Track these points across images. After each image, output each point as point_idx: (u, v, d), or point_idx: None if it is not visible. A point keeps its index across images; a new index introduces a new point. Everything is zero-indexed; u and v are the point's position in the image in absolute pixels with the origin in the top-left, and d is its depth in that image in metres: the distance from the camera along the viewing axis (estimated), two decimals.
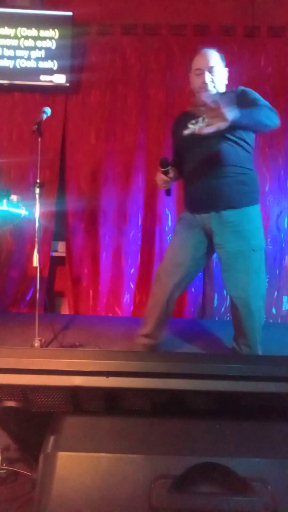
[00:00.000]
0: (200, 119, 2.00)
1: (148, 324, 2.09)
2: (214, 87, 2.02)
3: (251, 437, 1.12)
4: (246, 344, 2.01)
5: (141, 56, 3.40)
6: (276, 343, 2.80)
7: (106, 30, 3.41)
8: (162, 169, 2.02)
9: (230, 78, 2.12)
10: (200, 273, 3.41)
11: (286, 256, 3.43)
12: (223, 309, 3.41)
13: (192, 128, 2.02)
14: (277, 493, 1.00)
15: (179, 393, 1.19)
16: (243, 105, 1.85)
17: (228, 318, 3.41)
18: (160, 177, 2.06)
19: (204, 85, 2.01)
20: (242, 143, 1.99)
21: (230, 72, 2.11)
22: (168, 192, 2.14)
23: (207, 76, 2.00)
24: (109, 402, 1.22)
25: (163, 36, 3.38)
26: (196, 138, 1.95)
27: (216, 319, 3.39)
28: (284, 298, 3.43)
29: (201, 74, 2.01)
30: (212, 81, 2.01)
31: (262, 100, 1.96)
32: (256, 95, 2.00)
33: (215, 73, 2.02)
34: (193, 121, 2.03)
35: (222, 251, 2.01)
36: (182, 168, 2.13)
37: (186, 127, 2.05)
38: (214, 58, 2.03)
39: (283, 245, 3.42)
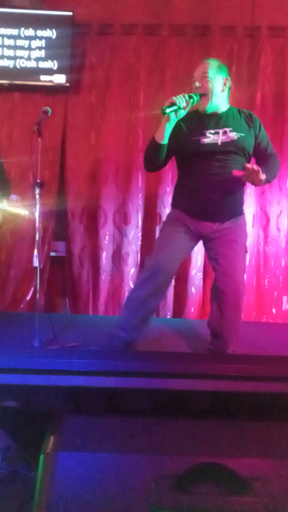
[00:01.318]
0: (221, 131, 2.06)
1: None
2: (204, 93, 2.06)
3: (251, 437, 1.12)
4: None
5: (141, 56, 3.40)
6: (276, 343, 2.81)
7: (106, 30, 3.40)
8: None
9: (230, 78, 2.14)
10: (200, 274, 3.42)
11: (286, 256, 3.43)
12: None
13: (213, 139, 2.05)
14: (277, 493, 1.00)
15: (179, 393, 1.19)
16: (257, 141, 2.13)
17: None
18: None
19: (195, 91, 2.08)
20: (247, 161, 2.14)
21: (230, 72, 2.12)
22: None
23: (196, 82, 2.08)
24: (109, 402, 1.22)
25: (163, 36, 3.38)
26: (215, 150, 2.04)
27: None
28: (284, 298, 3.43)
29: (194, 81, 2.10)
30: (202, 87, 2.06)
31: (271, 146, 2.21)
32: (267, 138, 2.21)
33: (208, 79, 2.05)
34: (212, 131, 2.06)
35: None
36: (186, 169, 2.17)
37: (201, 133, 2.06)
38: (208, 65, 2.08)
39: (283, 245, 3.42)
